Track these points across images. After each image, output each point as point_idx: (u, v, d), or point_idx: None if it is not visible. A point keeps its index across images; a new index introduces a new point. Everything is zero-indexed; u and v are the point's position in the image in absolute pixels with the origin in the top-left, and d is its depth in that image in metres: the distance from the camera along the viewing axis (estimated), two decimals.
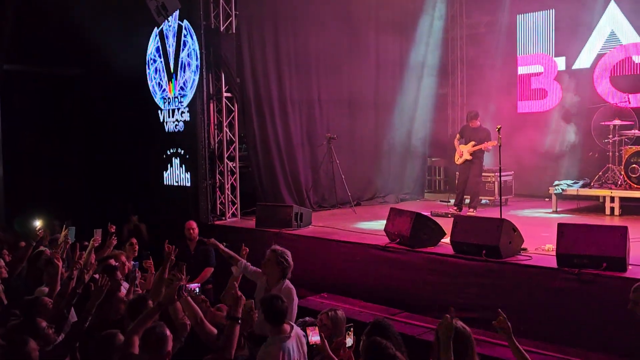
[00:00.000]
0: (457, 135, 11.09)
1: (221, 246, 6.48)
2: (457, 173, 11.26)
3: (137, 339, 4.15)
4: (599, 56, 11.91)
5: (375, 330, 4.43)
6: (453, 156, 11.19)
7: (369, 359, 3.99)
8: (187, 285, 4.95)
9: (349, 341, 4.45)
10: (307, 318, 5.43)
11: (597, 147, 11.39)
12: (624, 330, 5.49)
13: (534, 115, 12.73)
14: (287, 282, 5.81)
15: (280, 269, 5.77)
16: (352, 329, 4.53)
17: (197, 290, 5.49)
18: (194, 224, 8.91)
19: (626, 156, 10.12)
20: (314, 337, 4.18)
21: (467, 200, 10.83)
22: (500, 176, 9.29)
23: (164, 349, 3.88)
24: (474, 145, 10.56)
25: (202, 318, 4.72)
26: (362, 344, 4.30)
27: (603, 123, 10.93)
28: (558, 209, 10.73)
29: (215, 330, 4.74)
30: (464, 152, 10.71)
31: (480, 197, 11.25)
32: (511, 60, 13.19)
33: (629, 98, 10.99)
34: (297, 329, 4.85)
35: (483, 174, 11.30)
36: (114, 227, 7.56)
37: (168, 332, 3.99)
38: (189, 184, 11.05)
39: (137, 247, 7.81)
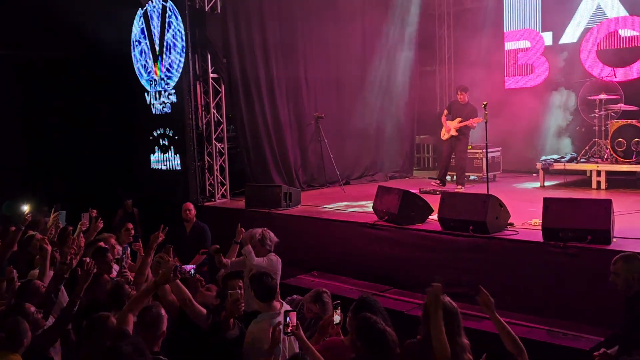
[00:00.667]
0: (445, 111, 11.11)
1: (221, 257, 6.53)
2: (442, 149, 11.34)
3: (132, 317, 4.19)
4: (586, 30, 11.93)
5: (361, 306, 4.50)
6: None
7: (360, 335, 4.04)
8: (183, 267, 5.00)
9: (337, 318, 4.51)
10: (294, 296, 5.50)
11: (584, 122, 11.47)
12: (607, 302, 5.56)
13: (522, 91, 12.76)
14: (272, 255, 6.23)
15: (267, 249, 6.26)
16: (339, 306, 4.58)
17: (192, 271, 5.53)
18: (190, 206, 8.92)
19: (612, 130, 10.17)
20: (292, 324, 4.22)
21: (455, 177, 10.91)
22: (487, 152, 9.32)
23: (159, 328, 3.93)
24: (460, 122, 10.61)
25: (191, 298, 4.77)
26: (348, 320, 4.37)
27: (589, 97, 10.98)
28: (545, 184, 10.81)
29: (204, 310, 4.80)
30: (450, 128, 10.76)
31: (467, 174, 11.32)
32: (498, 35, 13.19)
33: (615, 72, 11.02)
34: (286, 307, 4.92)
35: (471, 150, 11.37)
36: (95, 211, 7.53)
37: (163, 312, 4.04)
38: (177, 166, 11.03)
39: (132, 232, 7.81)
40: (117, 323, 4.37)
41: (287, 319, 4.20)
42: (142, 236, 10.41)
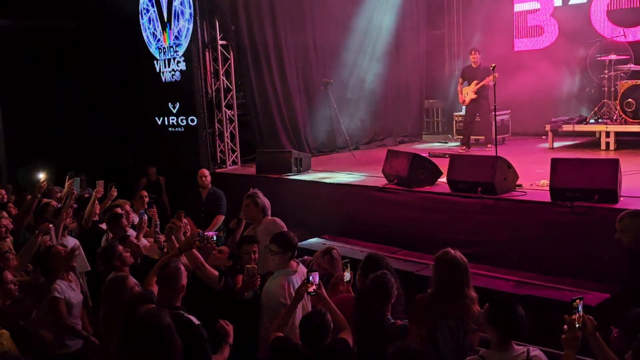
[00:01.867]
0: (460, 80, 11.17)
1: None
2: (465, 114, 11.41)
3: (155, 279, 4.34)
4: None
5: (369, 263, 4.64)
6: (451, 97, 11.28)
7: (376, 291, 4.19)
8: (205, 233, 5.13)
9: (347, 276, 4.66)
10: (305, 257, 5.63)
11: (593, 83, 11.41)
12: (613, 259, 5.66)
13: (531, 53, 12.68)
14: (269, 217, 6.32)
15: (260, 208, 6.30)
16: (348, 265, 4.72)
17: (215, 237, 5.63)
18: (206, 172, 9.01)
19: (622, 91, 10.14)
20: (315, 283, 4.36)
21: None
22: (495, 114, 9.33)
23: (179, 282, 4.07)
24: (476, 84, 10.67)
25: (203, 262, 4.90)
26: (357, 277, 4.53)
27: (599, 58, 10.91)
28: (554, 146, 10.83)
29: (216, 273, 4.93)
30: (468, 92, 10.81)
31: (476, 137, 11.40)
32: None
33: (624, 32, 10.94)
34: (302, 267, 5.06)
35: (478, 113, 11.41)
36: (102, 181, 7.67)
37: (182, 267, 4.17)
38: (188, 134, 11.10)
39: (147, 199, 7.93)
40: (144, 286, 4.53)
41: (310, 278, 4.33)
42: (168, 203, 10.61)
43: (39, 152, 11.13)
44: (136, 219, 7.41)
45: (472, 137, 11.34)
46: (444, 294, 4.25)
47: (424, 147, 11.69)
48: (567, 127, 10.76)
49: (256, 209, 6.36)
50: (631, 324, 3.68)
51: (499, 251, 6.93)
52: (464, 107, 11.44)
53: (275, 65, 11.16)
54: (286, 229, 5.74)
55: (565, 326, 3.45)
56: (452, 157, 7.87)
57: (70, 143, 11.82)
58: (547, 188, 6.76)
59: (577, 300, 3.53)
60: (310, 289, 4.31)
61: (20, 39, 12.32)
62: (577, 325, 3.44)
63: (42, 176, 8.07)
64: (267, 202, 6.52)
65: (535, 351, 3.70)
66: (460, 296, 4.23)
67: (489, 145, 10.79)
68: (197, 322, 3.95)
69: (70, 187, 7.59)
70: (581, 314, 3.51)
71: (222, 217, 8.63)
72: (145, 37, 11.59)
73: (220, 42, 10.82)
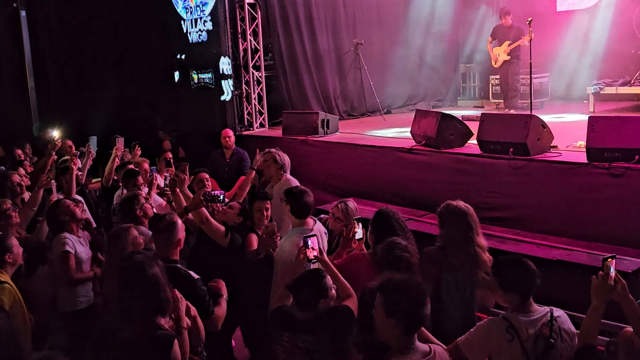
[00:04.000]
0: (489, 39, 10.70)
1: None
2: (499, 76, 10.94)
3: None
4: None
5: (380, 217, 4.40)
6: (487, 61, 10.81)
7: (384, 260, 3.94)
8: (212, 192, 4.98)
9: (359, 233, 4.41)
10: (322, 215, 5.42)
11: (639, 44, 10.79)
12: None
13: (574, 14, 12.07)
14: (288, 175, 6.18)
15: (279, 165, 6.18)
16: (360, 222, 4.48)
17: (222, 196, 5.49)
18: (230, 132, 8.91)
19: None
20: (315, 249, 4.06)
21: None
22: (530, 73, 8.86)
23: (174, 235, 3.90)
24: (509, 45, 10.20)
25: (208, 217, 4.76)
26: (369, 234, 4.29)
27: None
28: (595, 110, 10.30)
29: (222, 227, 4.80)
30: (499, 53, 10.36)
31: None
32: None
33: None
34: (319, 225, 4.87)
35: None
36: (122, 138, 7.67)
37: (179, 221, 4.00)
38: (215, 96, 10.91)
39: (171, 161, 7.86)
40: (146, 243, 4.38)
41: (309, 243, 3.95)
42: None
43: (65, 113, 11.16)
44: (161, 181, 7.34)
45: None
46: (452, 247, 4.10)
47: (457, 113, 11.27)
48: (609, 90, 10.22)
49: (275, 165, 6.23)
50: None
51: (530, 215, 6.61)
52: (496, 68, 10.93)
53: (304, 26, 10.89)
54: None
55: (597, 276, 3.14)
56: (483, 116, 7.51)
57: (97, 104, 11.77)
58: (584, 149, 6.38)
59: (610, 260, 3.20)
60: (311, 255, 3.95)
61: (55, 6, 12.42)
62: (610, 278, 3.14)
63: (56, 134, 8.04)
64: (287, 160, 6.34)
65: (558, 312, 3.43)
66: (469, 245, 4.07)
67: (510, 110, 10.31)
68: (196, 276, 3.79)
69: (88, 147, 7.54)
70: (612, 274, 3.19)
71: None
72: None
73: (247, 0, 10.54)
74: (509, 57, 10.41)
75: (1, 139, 10.19)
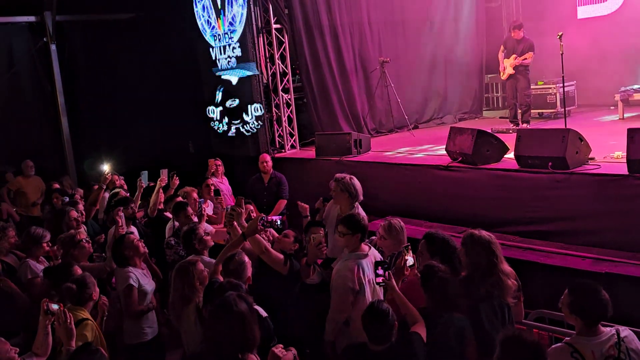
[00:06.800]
0: (501, 47, 10.73)
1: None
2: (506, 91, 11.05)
3: (221, 267, 4.33)
4: None
5: (428, 240, 4.53)
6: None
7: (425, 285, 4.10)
8: (269, 217, 5.12)
9: (410, 260, 4.50)
10: (372, 237, 5.53)
11: None
12: None
13: (595, 20, 12.13)
14: (358, 207, 5.96)
15: (348, 195, 5.97)
16: (409, 248, 4.59)
17: (279, 221, 5.57)
18: (267, 157, 9.04)
19: None
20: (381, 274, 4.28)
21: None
22: (563, 85, 8.95)
23: (244, 274, 4.05)
24: (515, 59, 10.26)
25: (267, 247, 4.88)
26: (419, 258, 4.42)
27: None
28: (625, 116, 10.35)
29: (281, 256, 4.91)
30: (506, 66, 10.42)
31: (540, 110, 10.99)
32: None
33: None
34: (374, 251, 4.95)
35: (543, 86, 11.00)
36: (165, 170, 7.73)
37: (247, 259, 4.14)
38: (247, 120, 11.09)
39: (212, 187, 8.01)
40: (210, 275, 4.53)
41: (378, 269, 4.25)
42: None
43: (101, 147, 11.38)
44: (210, 209, 7.49)
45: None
46: (480, 275, 4.17)
47: (485, 124, 11.35)
48: (638, 96, 10.26)
49: (347, 197, 6.00)
50: None
51: (572, 228, 6.67)
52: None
53: (330, 46, 11.04)
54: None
55: None
56: (520, 131, 7.61)
57: (127, 134, 12.01)
58: (623, 160, 6.46)
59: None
60: (379, 280, 4.25)
61: (81, 33, 12.65)
62: None
63: (106, 168, 8.22)
64: (359, 189, 6.12)
65: (625, 331, 3.51)
66: (495, 273, 4.15)
67: (524, 125, 10.31)
68: (264, 314, 3.90)
69: (140, 181, 7.70)
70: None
71: (285, 202, 8.61)
72: (200, 25, 11.61)
73: (274, 25, 10.73)
74: (514, 72, 10.40)
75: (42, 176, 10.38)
